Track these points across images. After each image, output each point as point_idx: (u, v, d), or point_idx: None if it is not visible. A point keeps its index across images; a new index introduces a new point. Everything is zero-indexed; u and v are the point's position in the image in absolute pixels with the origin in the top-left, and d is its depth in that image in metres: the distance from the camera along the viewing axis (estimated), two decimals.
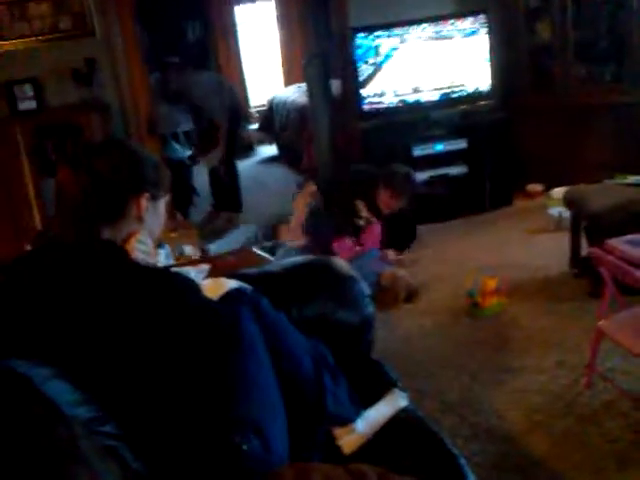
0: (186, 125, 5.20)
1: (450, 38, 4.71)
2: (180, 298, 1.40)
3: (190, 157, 5.75)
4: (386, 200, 4.00)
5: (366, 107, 4.70)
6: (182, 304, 1.39)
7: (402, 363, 2.85)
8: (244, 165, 7.81)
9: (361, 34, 4.57)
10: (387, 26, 4.61)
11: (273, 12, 8.94)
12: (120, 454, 1.20)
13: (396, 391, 1.79)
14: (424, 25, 4.64)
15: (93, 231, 1.45)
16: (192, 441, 1.35)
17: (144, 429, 1.34)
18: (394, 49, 4.65)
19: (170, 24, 6.85)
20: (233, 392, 1.41)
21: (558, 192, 4.64)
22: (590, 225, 3.41)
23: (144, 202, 1.49)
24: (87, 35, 4.47)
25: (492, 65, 4.83)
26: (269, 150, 8.27)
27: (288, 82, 8.61)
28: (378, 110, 4.74)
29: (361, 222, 3.98)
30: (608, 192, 3.44)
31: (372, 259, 3.79)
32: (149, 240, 1.51)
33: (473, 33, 4.74)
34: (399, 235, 4.24)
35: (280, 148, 7.77)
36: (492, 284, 3.29)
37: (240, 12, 8.84)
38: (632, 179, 3.58)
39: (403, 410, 1.72)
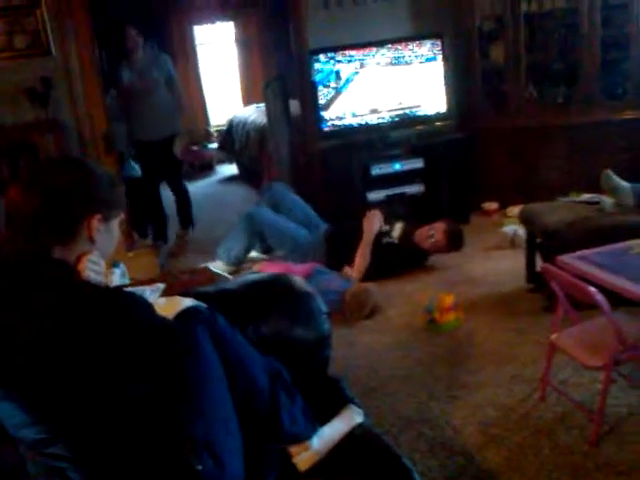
0: None
1: (408, 63, 4.84)
2: (132, 317, 1.38)
3: None
4: (437, 235, 4.09)
5: (326, 128, 4.75)
6: (134, 323, 1.38)
7: (360, 380, 2.87)
8: (204, 184, 7.81)
9: (322, 59, 4.65)
10: (345, 48, 4.68)
11: (232, 33, 8.98)
12: (68, 476, 1.18)
13: (352, 407, 1.79)
14: (383, 51, 4.76)
15: (44, 251, 1.43)
16: (145, 462, 1.33)
17: (96, 450, 1.32)
18: (354, 74, 4.74)
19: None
20: (187, 412, 1.40)
21: (513, 210, 4.75)
22: (544, 242, 3.49)
23: (95, 223, 1.48)
24: (43, 54, 4.43)
25: (448, 88, 4.95)
26: (229, 169, 8.27)
27: (247, 102, 8.65)
28: (338, 130, 4.80)
29: (390, 237, 4.19)
30: (562, 210, 3.53)
31: (328, 276, 3.79)
32: (101, 260, 1.50)
33: (430, 59, 4.87)
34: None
35: (240, 167, 7.79)
36: (449, 300, 3.33)
37: (200, 32, 8.86)
38: (585, 197, 3.67)
39: (359, 426, 1.73)
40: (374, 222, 4.18)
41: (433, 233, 4.09)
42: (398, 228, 4.24)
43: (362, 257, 4.05)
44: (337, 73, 4.71)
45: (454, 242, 4.13)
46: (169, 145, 4.97)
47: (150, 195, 5.10)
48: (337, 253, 4.14)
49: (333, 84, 4.72)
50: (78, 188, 1.47)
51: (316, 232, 4.36)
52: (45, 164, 1.61)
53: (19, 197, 1.44)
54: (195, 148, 8.34)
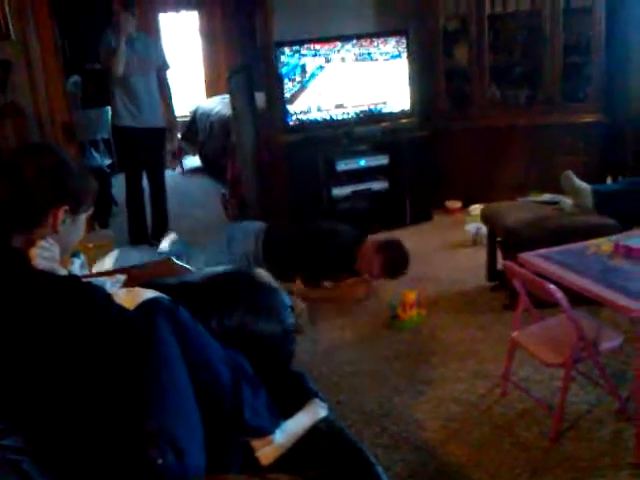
0: (105, 132, 5.03)
1: (373, 60, 4.84)
2: (87, 306, 1.35)
3: (109, 166, 5.60)
4: (373, 269, 3.65)
5: (291, 122, 4.73)
6: (89, 312, 1.34)
7: (323, 375, 2.86)
8: (168, 175, 7.68)
9: (287, 52, 4.61)
10: (311, 41, 4.66)
11: (196, 23, 8.87)
12: (23, 468, 1.13)
13: (316, 401, 1.78)
14: (348, 46, 4.76)
15: (3, 238, 1.38)
16: (104, 455, 1.30)
17: (53, 443, 1.28)
18: (320, 68, 4.72)
19: (91, 30, 6.67)
20: (147, 404, 1.36)
21: (476, 209, 4.80)
22: (505, 240, 3.53)
23: (61, 214, 1.45)
24: (2, 38, 4.29)
25: (412, 86, 4.98)
26: (192, 161, 8.17)
27: (211, 93, 8.55)
28: (303, 124, 4.78)
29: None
30: (522, 209, 3.58)
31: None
32: (54, 247, 1.45)
33: (395, 56, 4.88)
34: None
35: (203, 159, 7.69)
36: (412, 297, 3.34)
37: (164, 20, 8.72)
38: (545, 197, 3.73)
39: (323, 420, 1.72)
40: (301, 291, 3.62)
41: (371, 268, 3.66)
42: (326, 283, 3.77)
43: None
44: (303, 67, 4.68)
45: (394, 273, 3.70)
46: (162, 135, 4.74)
47: (134, 187, 4.73)
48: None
49: (298, 78, 4.69)
50: (48, 178, 1.43)
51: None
52: (17, 151, 1.56)
53: None
54: None
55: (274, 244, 3.73)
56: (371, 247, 3.69)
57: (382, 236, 3.99)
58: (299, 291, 3.61)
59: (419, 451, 2.32)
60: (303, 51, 4.67)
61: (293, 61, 4.66)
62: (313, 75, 4.72)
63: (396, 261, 3.68)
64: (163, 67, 4.67)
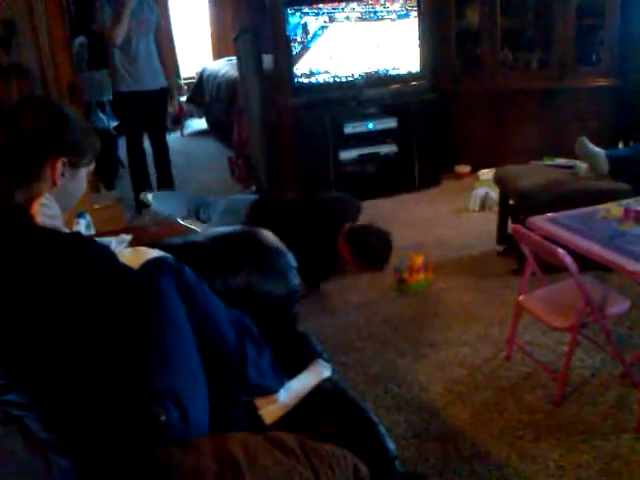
0: (111, 94, 4.97)
1: (380, 19, 4.73)
2: (92, 264, 1.34)
3: (115, 127, 5.56)
4: (345, 261, 3.26)
5: (298, 83, 4.66)
6: (94, 270, 1.33)
7: (329, 337, 2.87)
8: (172, 138, 7.65)
9: (289, 11, 4.50)
10: (319, 1, 4.56)
11: None
12: (25, 423, 1.14)
13: (320, 362, 1.78)
14: (353, 4, 4.63)
15: (6, 194, 1.38)
16: (108, 411, 1.30)
17: (56, 398, 1.29)
18: (323, 27, 4.62)
19: None
20: (151, 362, 1.37)
21: (485, 173, 4.76)
22: (518, 203, 3.50)
23: (59, 166, 1.44)
24: None
25: (422, 48, 4.88)
26: (198, 123, 8.11)
27: (218, 55, 8.44)
28: (310, 86, 4.71)
29: None
30: (536, 173, 3.53)
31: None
32: (54, 204, 1.44)
33: (404, 16, 4.78)
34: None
35: (210, 122, 7.63)
36: (419, 260, 3.33)
37: None
38: (559, 161, 3.69)
39: (326, 380, 1.72)
40: None
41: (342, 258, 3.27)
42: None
43: None
44: (304, 26, 4.58)
45: (367, 264, 3.29)
46: (164, 97, 4.68)
47: (135, 150, 4.70)
48: None
49: (299, 38, 4.59)
50: (46, 128, 1.43)
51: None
52: (16, 104, 1.54)
53: None
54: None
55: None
56: (342, 239, 3.26)
57: (364, 219, 3.57)
58: None
59: (422, 413, 2.33)
60: (305, 9, 4.54)
61: (294, 21, 4.54)
62: (316, 35, 4.62)
63: (369, 254, 3.25)
64: (158, 26, 4.60)
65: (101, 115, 5.51)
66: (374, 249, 3.21)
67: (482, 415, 2.30)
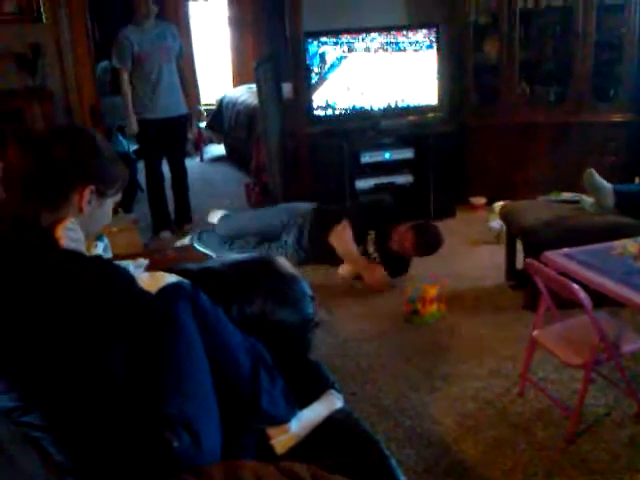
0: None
1: (401, 50, 4.78)
2: (112, 288, 1.36)
3: (135, 151, 5.63)
4: (405, 244, 3.80)
5: (316, 112, 4.71)
6: (113, 294, 1.35)
7: (340, 366, 2.86)
8: (190, 164, 7.73)
9: (309, 40, 4.57)
10: (340, 32, 4.63)
11: (225, 11, 8.88)
12: (42, 445, 1.15)
13: (332, 392, 1.78)
14: (373, 35, 4.69)
15: (34, 218, 1.41)
16: (121, 435, 1.31)
17: (72, 421, 1.30)
18: (342, 57, 4.67)
19: (122, 16, 6.72)
20: (165, 387, 1.38)
21: (500, 206, 4.75)
22: (523, 239, 3.50)
23: (87, 194, 1.46)
24: (33, 20, 4.34)
25: (440, 80, 4.93)
26: (217, 149, 8.20)
27: (238, 82, 8.55)
28: (328, 115, 4.77)
29: (370, 257, 3.92)
30: (541, 208, 3.55)
31: None
32: (79, 229, 1.46)
33: (424, 47, 4.82)
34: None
35: (228, 148, 7.72)
36: (432, 292, 3.33)
37: (193, 8, 8.75)
38: (566, 196, 3.69)
39: (338, 411, 1.72)
40: (344, 237, 3.87)
41: (403, 244, 3.82)
42: (371, 242, 3.96)
43: (351, 265, 3.92)
44: (322, 56, 4.62)
45: (425, 251, 3.84)
46: (184, 123, 4.74)
47: (154, 175, 4.75)
48: (321, 250, 3.94)
49: (317, 69, 4.64)
50: (76, 156, 1.44)
51: (284, 245, 4.03)
52: (52, 130, 1.58)
53: (16, 159, 1.43)
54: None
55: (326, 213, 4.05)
56: (405, 225, 3.86)
57: None
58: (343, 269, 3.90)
59: (433, 447, 2.31)
60: (323, 39, 4.59)
61: (312, 49, 4.59)
62: (334, 65, 4.66)
63: (428, 240, 3.82)
64: (180, 54, 4.67)
65: (121, 139, 5.59)
66: (433, 238, 3.82)
67: (494, 451, 2.28)
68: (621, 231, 2.85)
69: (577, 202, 3.50)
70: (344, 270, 3.95)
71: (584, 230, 3.13)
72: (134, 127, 4.51)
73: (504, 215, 3.74)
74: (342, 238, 3.88)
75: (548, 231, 3.23)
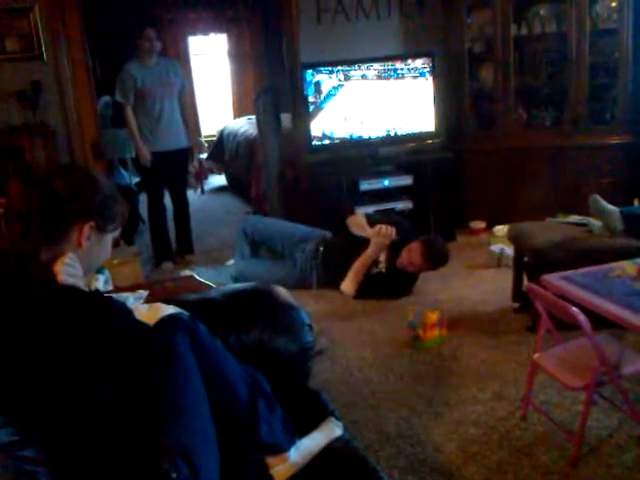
0: (134, 151, 5.11)
1: (399, 78, 4.84)
2: (108, 322, 1.37)
3: (137, 184, 5.69)
4: (414, 258, 3.93)
5: (314, 141, 4.76)
6: (110, 328, 1.37)
7: (341, 394, 2.85)
8: (191, 195, 7.80)
9: (307, 71, 4.63)
10: (338, 63, 4.70)
11: (225, 45, 9.04)
12: (37, 479, 1.16)
13: (332, 420, 1.78)
14: (370, 63, 4.74)
15: (34, 252, 1.42)
16: (119, 466, 1.31)
17: (69, 454, 1.30)
18: (338, 87, 4.72)
19: (122, 50, 6.83)
20: (163, 419, 1.38)
21: (500, 229, 4.78)
22: (532, 261, 3.50)
23: (87, 230, 1.48)
24: (34, 58, 4.42)
25: (437, 107, 4.98)
26: (217, 180, 8.28)
27: (238, 114, 8.68)
28: (327, 145, 4.81)
29: (377, 267, 4.07)
30: (550, 230, 3.54)
31: None
32: (77, 263, 1.48)
33: (420, 75, 4.88)
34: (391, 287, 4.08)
35: (229, 178, 7.80)
36: (434, 317, 3.33)
37: (193, 43, 8.91)
38: (574, 218, 3.70)
39: (338, 439, 1.72)
40: (385, 240, 4.05)
41: (412, 256, 3.94)
42: (383, 256, 4.10)
43: (357, 274, 4.03)
44: (317, 85, 4.67)
45: (435, 262, 3.97)
46: (185, 155, 4.81)
47: (156, 207, 4.80)
48: (333, 269, 4.13)
49: (312, 98, 4.69)
50: (78, 193, 1.47)
51: (302, 252, 4.27)
52: (55, 168, 1.61)
53: (18, 194, 1.45)
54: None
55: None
56: (414, 242, 4.02)
57: None
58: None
59: (436, 474, 2.29)
60: (319, 68, 4.64)
61: (308, 78, 4.65)
62: (330, 94, 4.71)
63: (437, 251, 3.96)
64: (183, 89, 4.75)
65: (123, 172, 5.65)
66: (441, 251, 3.98)
67: (497, 476, 2.26)
68: (631, 253, 2.85)
69: (585, 225, 3.51)
70: (346, 287, 4.03)
71: (595, 253, 3.12)
72: (147, 156, 4.56)
73: (513, 236, 3.73)
74: (356, 218, 4.27)
75: (559, 253, 3.23)
